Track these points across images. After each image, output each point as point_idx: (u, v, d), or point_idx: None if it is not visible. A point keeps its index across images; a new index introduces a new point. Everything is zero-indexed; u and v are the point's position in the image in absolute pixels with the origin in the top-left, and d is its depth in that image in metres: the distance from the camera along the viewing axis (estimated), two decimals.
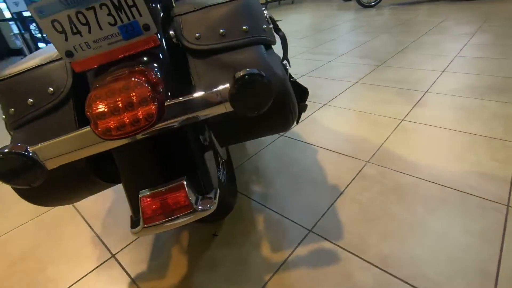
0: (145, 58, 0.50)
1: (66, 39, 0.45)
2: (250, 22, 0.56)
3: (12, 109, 0.55)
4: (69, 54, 0.46)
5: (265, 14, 0.70)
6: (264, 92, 0.46)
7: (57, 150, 0.47)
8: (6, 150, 0.43)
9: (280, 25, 4.18)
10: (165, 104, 0.47)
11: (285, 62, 0.94)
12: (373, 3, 4.73)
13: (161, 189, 0.51)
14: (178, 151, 0.54)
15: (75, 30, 0.44)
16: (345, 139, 1.29)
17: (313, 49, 2.77)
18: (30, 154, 0.45)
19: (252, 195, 1.03)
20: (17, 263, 0.91)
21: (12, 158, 0.44)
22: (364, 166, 1.10)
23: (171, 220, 0.50)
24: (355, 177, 1.05)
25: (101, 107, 0.44)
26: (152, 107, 0.44)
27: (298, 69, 2.26)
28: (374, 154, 1.16)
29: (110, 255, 0.88)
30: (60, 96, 0.54)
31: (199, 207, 0.52)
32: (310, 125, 1.44)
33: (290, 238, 0.85)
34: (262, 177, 1.12)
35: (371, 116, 1.44)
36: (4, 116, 0.57)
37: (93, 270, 0.84)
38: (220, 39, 0.54)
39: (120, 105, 0.44)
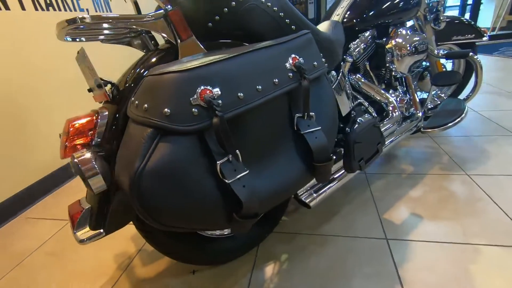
0: (107, 107, 0.61)
1: (88, 81, 0.63)
2: (151, 102, 0.47)
3: None
4: (90, 90, 0.64)
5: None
6: (90, 184, 0.52)
7: None
8: None
9: None
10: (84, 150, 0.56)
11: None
12: None
13: (80, 203, 0.65)
14: None
15: (88, 77, 0.61)
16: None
17: None
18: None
19: (257, 270, 0.90)
20: None
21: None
22: None
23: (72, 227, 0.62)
24: None
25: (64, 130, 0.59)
26: (63, 149, 0.57)
27: None
28: None
29: None
30: None
31: (78, 235, 0.59)
32: (414, 250, 0.94)
33: None
34: (292, 261, 0.92)
35: None
36: None
37: None
38: (141, 112, 0.49)
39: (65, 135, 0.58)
